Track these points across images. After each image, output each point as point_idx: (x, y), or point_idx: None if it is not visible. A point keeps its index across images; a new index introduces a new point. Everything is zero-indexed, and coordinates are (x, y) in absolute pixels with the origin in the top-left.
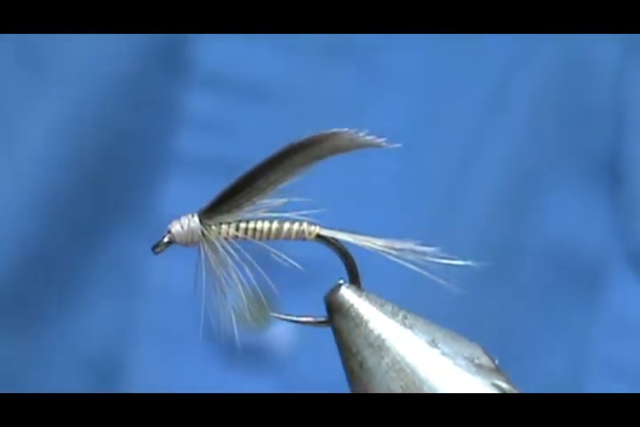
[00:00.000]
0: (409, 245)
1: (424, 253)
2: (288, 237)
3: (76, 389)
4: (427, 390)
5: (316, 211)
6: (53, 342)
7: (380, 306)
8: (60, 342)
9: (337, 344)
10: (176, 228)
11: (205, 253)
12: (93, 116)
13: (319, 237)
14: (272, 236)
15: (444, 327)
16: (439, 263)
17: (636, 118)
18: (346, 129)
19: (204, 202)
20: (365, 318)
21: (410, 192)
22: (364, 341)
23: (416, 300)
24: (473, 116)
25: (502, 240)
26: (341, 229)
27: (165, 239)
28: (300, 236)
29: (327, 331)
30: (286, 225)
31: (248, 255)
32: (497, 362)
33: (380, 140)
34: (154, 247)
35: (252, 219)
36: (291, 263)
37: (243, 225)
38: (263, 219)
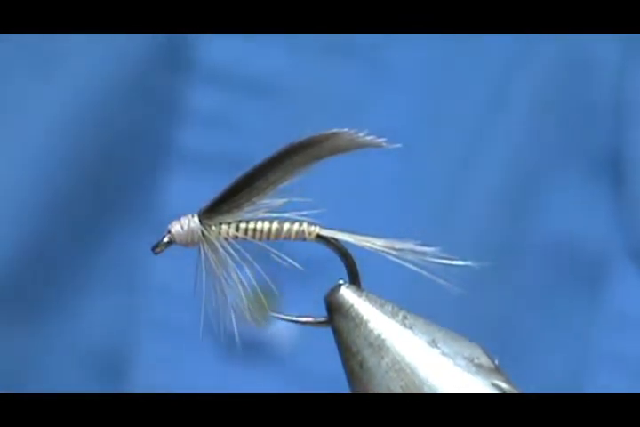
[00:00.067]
0: (409, 245)
1: (424, 254)
2: (288, 237)
3: (76, 387)
4: (427, 390)
5: (315, 211)
6: (54, 341)
7: (380, 306)
8: (61, 342)
9: (337, 344)
10: (176, 228)
11: (205, 254)
12: (94, 115)
13: (319, 237)
14: (272, 236)
15: (443, 327)
16: (439, 263)
17: (637, 118)
18: (346, 129)
19: (206, 200)
20: (365, 318)
21: (410, 192)
22: (364, 341)
23: (416, 300)
24: (473, 116)
25: (502, 240)
26: (341, 229)
27: (165, 239)
28: (300, 236)
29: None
30: (286, 225)
31: (248, 255)
32: (497, 362)
33: (380, 140)
34: (154, 247)
35: (252, 219)
36: (291, 263)
37: (243, 225)
38: (263, 219)
